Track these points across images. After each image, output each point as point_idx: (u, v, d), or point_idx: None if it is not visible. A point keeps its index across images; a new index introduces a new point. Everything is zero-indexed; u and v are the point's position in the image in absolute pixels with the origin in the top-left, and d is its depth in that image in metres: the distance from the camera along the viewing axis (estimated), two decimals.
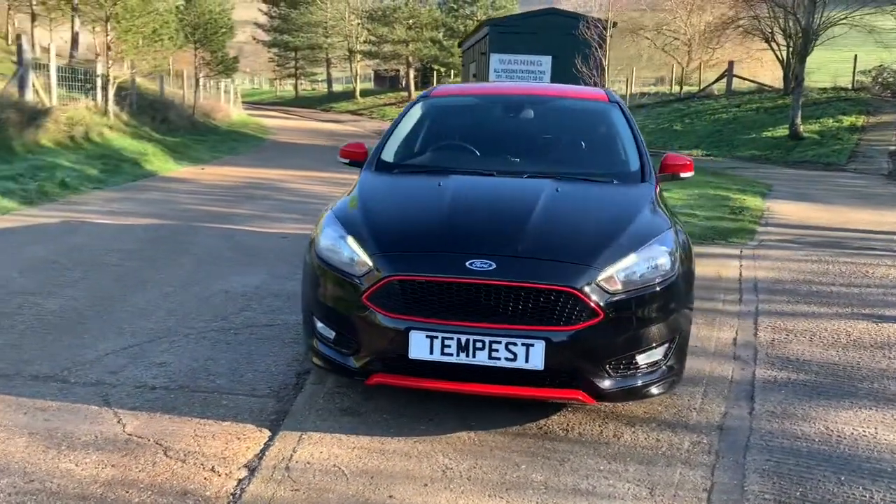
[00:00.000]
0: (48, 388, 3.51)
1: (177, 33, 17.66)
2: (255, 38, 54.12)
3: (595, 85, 16.90)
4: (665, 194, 4.32)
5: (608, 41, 17.29)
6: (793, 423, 3.39)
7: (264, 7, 52.30)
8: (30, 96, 12.85)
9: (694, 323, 3.67)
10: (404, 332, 3.11)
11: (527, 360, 3.04)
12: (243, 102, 35.10)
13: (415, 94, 40.10)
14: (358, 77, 48.35)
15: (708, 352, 4.27)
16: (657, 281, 3.23)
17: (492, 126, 4.74)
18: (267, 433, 3.18)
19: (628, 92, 25.36)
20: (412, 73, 43.73)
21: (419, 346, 3.10)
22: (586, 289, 3.05)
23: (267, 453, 3.00)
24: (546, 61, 16.17)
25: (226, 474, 2.83)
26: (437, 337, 3.08)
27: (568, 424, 3.35)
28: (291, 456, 2.99)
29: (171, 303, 4.89)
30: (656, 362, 3.28)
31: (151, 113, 17.34)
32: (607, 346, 3.11)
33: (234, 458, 2.95)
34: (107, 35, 14.82)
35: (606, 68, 17.34)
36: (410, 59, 43.12)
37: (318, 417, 3.33)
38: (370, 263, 3.22)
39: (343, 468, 2.91)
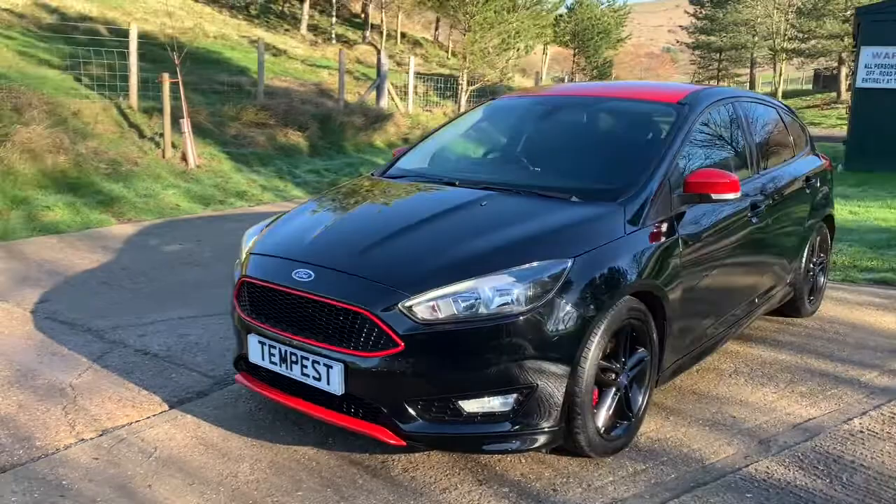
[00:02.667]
0: (80, 337, 4.31)
1: (554, 38, 18.53)
2: (677, 41, 53.42)
3: None
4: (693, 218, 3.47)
5: None
6: None
7: (690, 9, 51.32)
8: (384, 103, 14.87)
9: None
10: (246, 333, 3.16)
11: (328, 383, 2.85)
12: None
13: (845, 95, 35.56)
14: (781, 77, 44.48)
15: None
16: (498, 316, 2.72)
17: (515, 133, 4.31)
18: (160, 409, 3.50)
19: None
20: (844, 71, 38.70)
21: (255, 350, 3.12)
22: (384, 314, 2.73)
23: (130, 424, 3.33)
24: None
25: (76, 432, 3.23)
26: (265, 343, 3.06)
27: (414, 464, 3.02)
28: (139, 430, 3.26)
29: None
30: (493, 414, 2.77)
31: None
32: (412, 382, 2.74)
33: (102, 421, 3.33)
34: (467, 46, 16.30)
35: None
36: (844, 55, 38.22)
37: (213, 405, 3.53)
38: (242, 263, 3.32)
39: (156, 450, 3.09)
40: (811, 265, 5.12)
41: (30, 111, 9.33)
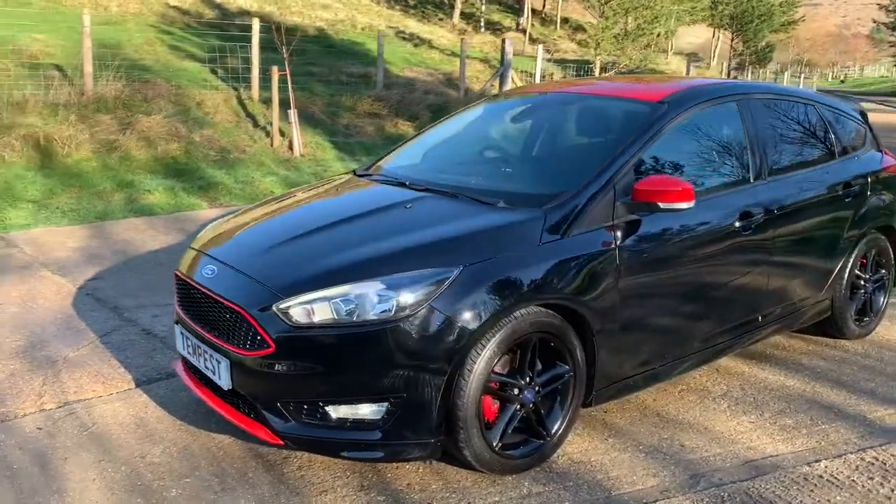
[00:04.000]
0: (101, 314, 4.72)
1: (711, 18, 17.59)
2: (874, 21, 48.54)
3: None
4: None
5: None
6: None
7: None
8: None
9: None
10: (175, 323, 3.34)
11: (219, 377, 2.97)
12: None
13: None
14: None
15: None
16: (366, 323, 2.70)
17: (486, 135, 4.19)
18: (126, 387, 3.77)
19: None
20: None
21: (178, 340, 3.30)
22: (258, 314, 2.79)
23: (90, 399, 3.62)
24: None
25: (40, 403, 3.56)
26: (184, 334, 3.23)
27: (311, 463, 3.07)
28: (93, 405, 3.54)
29: None
30: (363, 421, 2.76)
31: None
32: (281, 384, 2.79)
33: (68, 394, 3.65)
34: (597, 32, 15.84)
35: None
36: None
37: (171, 389, 3.74)
38: None
39: (94, 425, 3.35)
40: (861, 281, 4.56)
41: (157, 101, 10.23)
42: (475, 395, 2.81)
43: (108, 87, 9.89)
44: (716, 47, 31.21)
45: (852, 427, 3.52)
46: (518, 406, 3.00)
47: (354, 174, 4.14)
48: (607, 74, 16.83)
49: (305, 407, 2.78)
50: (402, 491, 2.90)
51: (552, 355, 3.09)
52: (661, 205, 3.18)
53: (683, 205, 3.18)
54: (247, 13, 18.90)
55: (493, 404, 2.99)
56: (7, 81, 9.57)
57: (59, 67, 10.87)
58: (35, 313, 4.69)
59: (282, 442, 2.84)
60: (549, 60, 21.56)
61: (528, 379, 3.00)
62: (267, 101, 11.25)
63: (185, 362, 3.37)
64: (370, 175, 3.95)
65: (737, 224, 3.64)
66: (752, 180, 3.83)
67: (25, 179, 7.83)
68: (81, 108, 9.40)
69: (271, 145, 10.26)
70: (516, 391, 2.98)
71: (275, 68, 10.18)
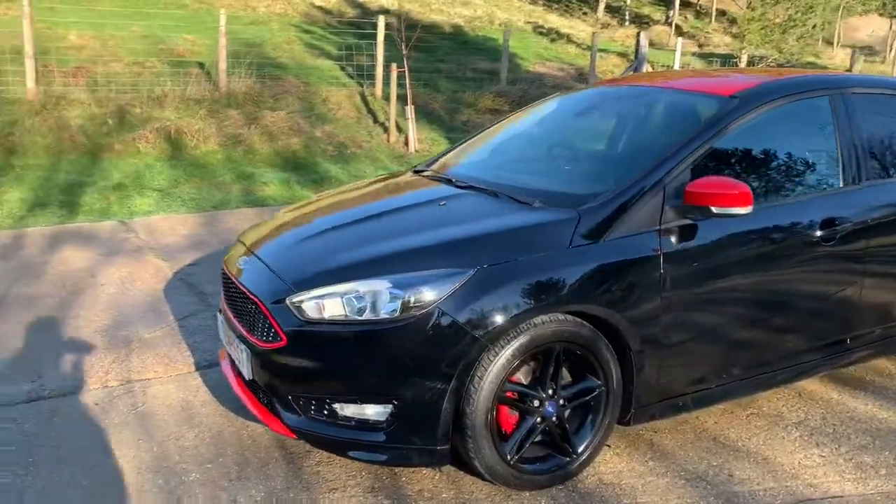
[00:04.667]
0: (186, 297, 4.93)
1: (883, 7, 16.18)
2: None
3: None
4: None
5: None
6: None
7: None
8: None
9: None
10: (218, 311, 3.43)
11: (242, 366, 3.01)
12: None
13: None
14: None
15: None
16: (372, 322, 2.64)
17: (551, 129, 3.96)
18: (185, 370, 3.92)
19: None
20: None
21: (220, 329, 3.38)
22: (272, 306, 2.81)
23: (150, 379, 3.80)
24: None
25: (105, 380, 3.76)
26: (223, 324, 3.31)
27: (330, 460, 3.05)
28: (150, 386, 3.71)
29: None
30: (367, 422, 2.70)
31: None
32: (291, 378, 2.79)
33: (132, 373, 3.84)
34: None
35: None
36: None
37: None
38: None
39: (144, 405, 3.50)
40: None
41: (285, 97, 10.67)
42: (485, 404, 2.68)
43: (240, 83, 10.42)
44: (894, 40, 28.43)
45: None
46: (539, 419, 2.83)
47: (419, 167, 4.09)
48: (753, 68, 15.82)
49: (314, 403, 2.76)
50: (411, 496, 2.82)
51: (583, 368, 2.89)
52: (715, 209, 2.89)
53: (739, 209, 2.88)
54: (387, 11, 19.36)
55: (511, 415, 2.83)
56: (151, 78, 10.32)
57: (200, 65, 11.59)
58: (128, 295, 4.99)
59: (294, 435, 2.84)
60: (694, 54, 20.57)
61: (551, 391, 2.83)
62: (389, 98, 11.45)
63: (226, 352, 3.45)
64: (425, 172, 3.88)
65: (817, 234, 3.26)
66: (841, 185, 3.42)
67: (154, 169, 8.39)
68: (213, 103, 9.97)
69: (388, 141, 10.43)
70: (536, 403, 2.81)
71: (393, 65, 10.33)
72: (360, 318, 2.65)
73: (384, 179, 4.02)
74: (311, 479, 2.92)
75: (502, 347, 2.67)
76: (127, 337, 4.30)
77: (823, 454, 3.20)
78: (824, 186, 3.41)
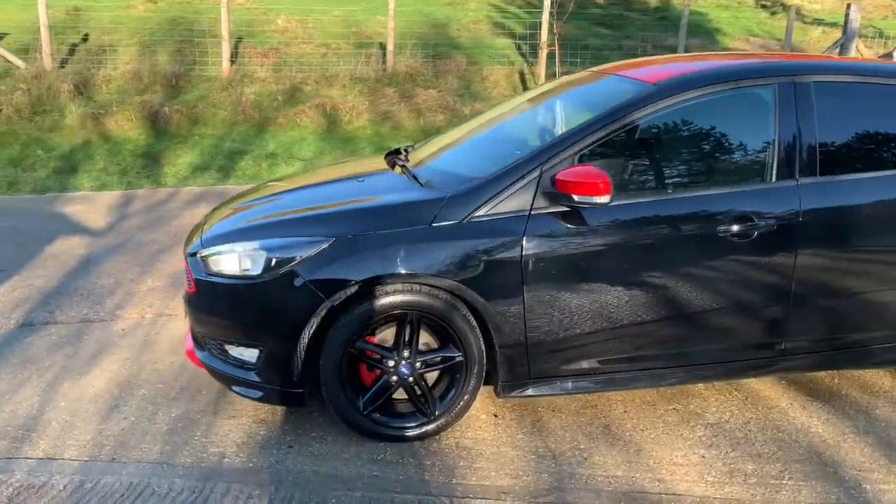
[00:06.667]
0: None
1: None
2: None
3: None
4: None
5: None
6: None
7: None
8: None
9: None
10: None
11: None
12: None
13: None
14: None
15: None
16: (242, 276, 3.11)
17: (526, 115, 4.05)
18: None
19: None
20: None
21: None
22: (189, 259, 3.36)
23: (175, 315, 4.57)
24: None
25: (141, 313, 4.60)
26: None
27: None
28: (171, 321, 4.48)
29: None
30: (245, 363, 3.20)
31: None
32: (198, 319, 3.34)
33: (166, 310, 4.65)
34: None
35: None
36: None
37: None
38: None
39: (156, 335, 4.27)
40: None
41: (445, 76, 11.26)
42: (334, 358, 3.04)
43: (403, 63, 11.17)
44: None
45: (826, 492, 2.86)
46: (394, 378, 3.12)
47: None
48: None
49: (212, 342, 3.29)
50: (287, 430, 3.25)
51: (446, 337, 3.12)
52: (576, 197, 2.97)
53: (598, 199, 2.93)
54: None
55: (371, 372, 3.16)
56: (332, 59, 11.41)
57: (381, 46, 12.53)
58: None
59: (203, 367, 3.39)
60: None
61: (406, 354, 3.10)
62: (551, 77, 11.57)
63: None
64: (398, 154, 4.20)
65: (724, 229, 3.13)
66: (773, 181, 3.22)
67: (306, 142, 9.42)
68: (375, 81, 10.83)
69: None
70: (391, 364, 3.11)
71: (543, 43, 10.45)
72: (239, 273, 3.13)
73: (364, 158, 4.42)
74: (222, 408, 3.47)
75: (351, 309, 3.00)
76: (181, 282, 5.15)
77: (707, 456, 3.11)
78: (745, 182, 3.23)
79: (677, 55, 5.27)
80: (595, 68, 4.02)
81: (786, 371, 3.51)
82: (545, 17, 11.55)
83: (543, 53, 10.41)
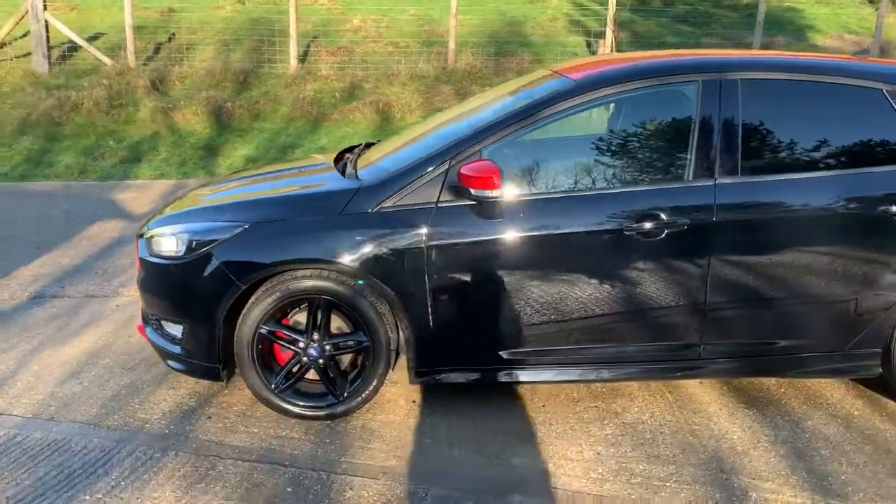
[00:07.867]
0: None
1: None
2: None
3: None
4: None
5: None
6: None
7: None
8: None
9: None
10: None
11: None
12: None
13: None
14: None
15: None
16: (169, 257, 3.35)
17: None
18: None
19: None
20: None
21: None
22: (139, 240, 3.63)
23: None
24: None
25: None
26: None
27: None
28: None
29: None
30: (175, 338, 3.45)
31: None
32: (144, 297, 3.61)
33: None
34: None
35: None
36: None
37: None
38: None
39: None
40: None
41: (505, 74, 11.29)
42: (246, 338, 3.24)
43: (463, 61, 11.31)
44: None
45: (706, 497, 2.81)
46: (304, 359, 3.29)
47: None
48: None
49: (153, 318, 3.56)
50: (218, 402, 3.48)
51: (356, 322, 3.26)
52: (473, 191, 3.04)
53: (489, 192, 3.00)
54: None
55: (284, 352, 3.34)
56: (399, 57, 11.69)
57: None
58: None
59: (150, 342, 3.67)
60: None
61: (316, 337, 3.26)
62: None
63: None
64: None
65: (629, 227, 3.11)
66: (689, 179, 3.17)
67: (356, 137, 9.70)
68: (433, 79, 11.02)
69: None
70: (301, 345, 3.27)
71: (601, 42, 10.32)
72: (171, 254, 3.38)
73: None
74: (167, 380, 3.74)
75: (261, 293, 3.19)
76: None
77: (603, 453, 3.11)
78: (659, 179, 3.19)
79: (643, 52, 5.13)
80: (549, 67, 4.02)
81: (709, 376, 3.43)
82: (610, 14, 11.40)
83: (603, 49, 10.27)
